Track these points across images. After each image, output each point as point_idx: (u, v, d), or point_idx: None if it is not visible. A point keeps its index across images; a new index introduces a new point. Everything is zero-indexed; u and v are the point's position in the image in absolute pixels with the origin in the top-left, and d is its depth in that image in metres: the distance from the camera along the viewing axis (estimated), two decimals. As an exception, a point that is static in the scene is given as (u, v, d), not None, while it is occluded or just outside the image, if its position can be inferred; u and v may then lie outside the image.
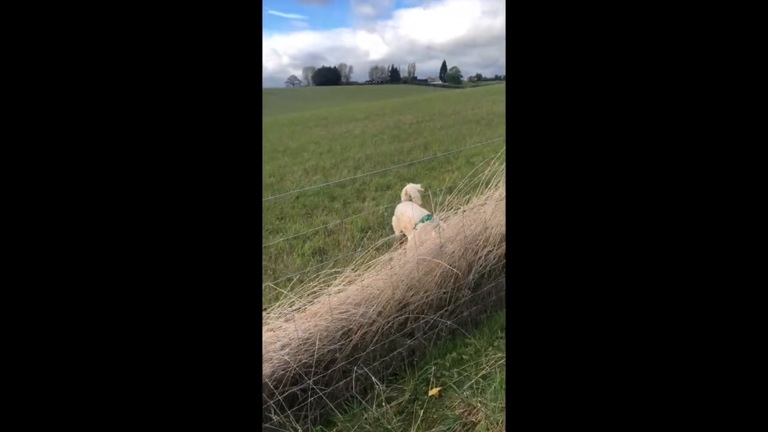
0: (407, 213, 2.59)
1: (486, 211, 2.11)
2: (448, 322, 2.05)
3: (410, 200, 2.74)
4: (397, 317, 1.91)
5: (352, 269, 1.92)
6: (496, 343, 1.98)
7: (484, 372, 1.80)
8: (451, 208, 2.44)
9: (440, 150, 6.57)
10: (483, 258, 2.17)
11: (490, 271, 2.25)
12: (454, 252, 2.05)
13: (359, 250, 2.18)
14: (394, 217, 2.81)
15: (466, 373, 1.82)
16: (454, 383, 1.78)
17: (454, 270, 2.06)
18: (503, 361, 1.84)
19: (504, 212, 2.20)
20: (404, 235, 2.67)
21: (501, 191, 2.24)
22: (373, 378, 1.73)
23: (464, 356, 1.93)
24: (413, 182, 2.83)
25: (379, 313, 1.85)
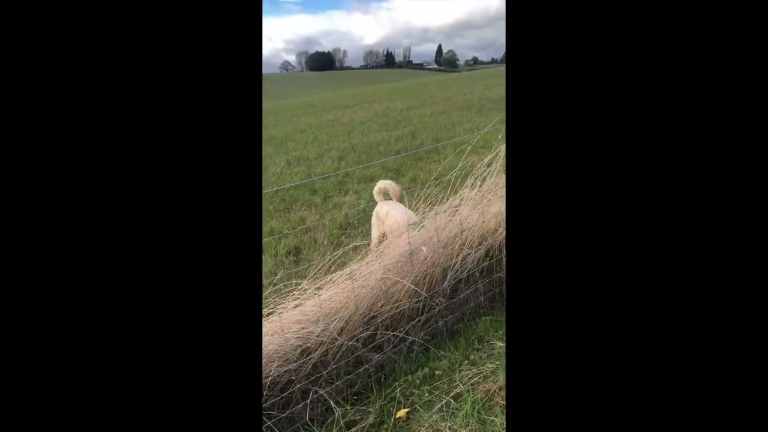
0: (393, 214, 2.33)
1: (461, 212, 1.94)
2: (421, 334, 1.89)
3: (388, 198, 2.54)
4: (363, 331, 1.75)
5: (310, 280, 1.75)
6: (472, 357, 1.83)
7: (457, 390, 1.65)
8: (434, 204, 2.23)
9: (428, 138, 6.37)
10: (459, 263, 2.01)
11: (468, 276, 2.09)
12: (426, 258, 1.89)
13: (327, 255, 2.00)
14: (374, 218, 2.53)
15: (437, 392, 1.67)
16: (423, 404, 1.63)
17: (426, 277, 1.90)
18: (478, 377, 1.70)
19: (481, 213, 2.04)
20: (384, 239, 2.44)
21: (480, 189, 2.06)
22: (330, 401, 1.58)
23: (437, 371, 1.78)
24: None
25: (342, 329, 1.70)
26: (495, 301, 2.18)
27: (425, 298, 1.91)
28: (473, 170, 2.03)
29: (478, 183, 1.99)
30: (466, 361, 1.82)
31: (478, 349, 1.88)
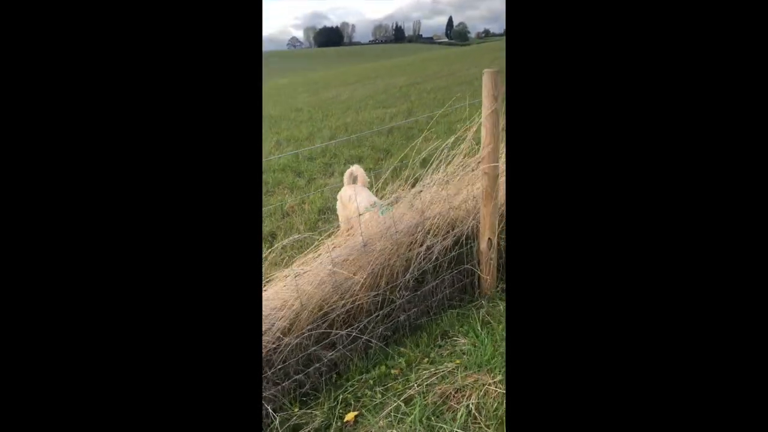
0: (354, 198, 2.26)
1: (423, 199, 1.78)
2: (380, 330, 1.77)
3: (354, 183, 2.40)
4: (314, 329, 1.64)
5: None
6: (432, 355, 1.71)
7: (411, 392, 1.54)
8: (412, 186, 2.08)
9: (424, 116, 6.12)
10: (422, 253, 1.87)
11: (435, 267, 1.95)
12: (385, 248, 1.75)
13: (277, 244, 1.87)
14: (338, 204, 2.46)
15: (390, 394, 1.56)
16: (374, 406, 1.53)
17: (386, 269, 1.76)
18: (435, 378, 1.58)
19: (446, 199, 1.88)
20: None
21: (445, 172, 1.90)
22: (268, 406, 1.48)
23: (393, 370, 1.67)
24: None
25: (289, 328, 1.58)
26: (466, 293, 2.05)
27: (384, 291, 1.79)
28: (436, 153, 1.86)
29: (442, 166, 1.82)
30: (426, 359, 1.70)
31: (440, 346, 1.76)
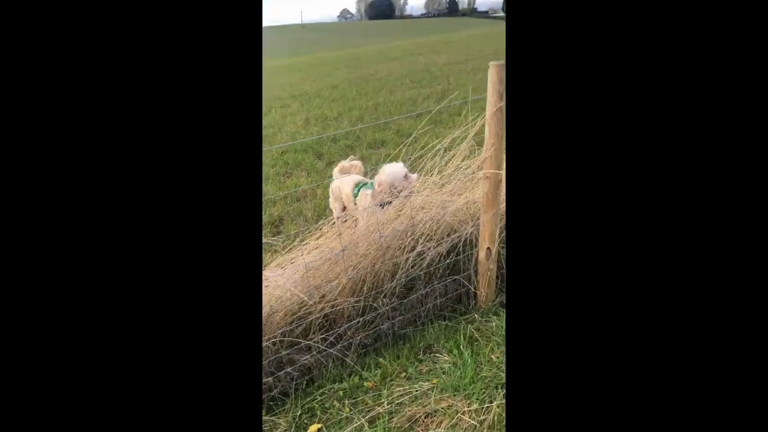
0: (346, 188, 2.18)
1: (413, 202, 1.64)
2: (358, 338, 1.69)
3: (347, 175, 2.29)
4: (286, 333, 1.58)
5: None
6: (410, 370, 1.60)
7: (379, 410, 1.45)
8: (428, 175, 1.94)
9: (458, 98, 5.84)
10: (412, 259, 1.74)
11: (430, 272, 1.83)
12: (368, 252, 1.64)
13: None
14: (330, 198, 2.36)
15: (357, 409, 1.48)
16: (339, 421, 1.45)
17: (367, 275, 1.66)
18: (408, 397, 1.48)
19: (440, 204, 1.73)
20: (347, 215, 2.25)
21: (442, 174, 1.74)
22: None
23: (367, 382, 1.58)
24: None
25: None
26: (461, 302, 1.91)
27: (366, 297, 1.69)
28: (431, 153, 1.71)
29: (436, 168, 1.67)
30: (404, 374, 1.60)
31: (421, 361, 1.65)
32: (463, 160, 1.67)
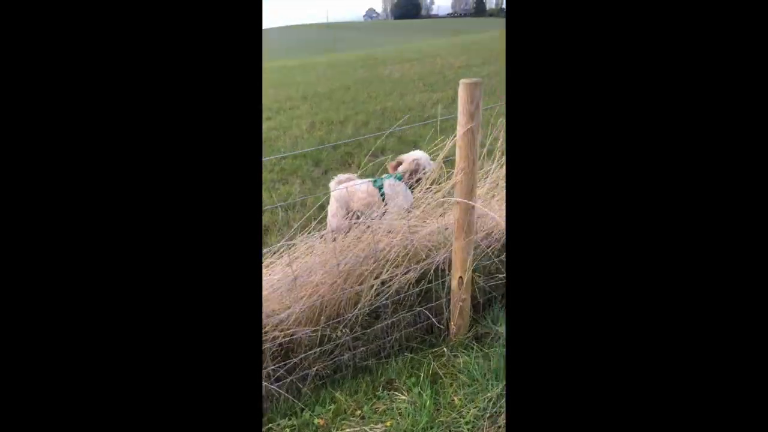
0: (356, 191, 2.12)
1: (376, 228, 1.53)
2: (314, 370, 1.59)
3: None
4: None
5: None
6: (365, 408, 1.49)
7: (325, 453, 1.35)
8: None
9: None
10: (376, 287, 1.63)
11: (399, 301, 1.71)
12: (323, 281, 1.54)
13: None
14: (335, 206, 2.19)
15: (303, 450, 1.38)
16: (281, 463, 1.36)
17: (324, 304, 1.55)
18: (357, 440, 1.37)
19: (407, 230, 1.61)
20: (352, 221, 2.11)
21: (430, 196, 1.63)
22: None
23: (317, 420, 1.48)
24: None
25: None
26: (432, 333, 1.79)
27: (323, 327, 1.58)
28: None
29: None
30: (359, 411, 1.50)
31: (378, 398, 1.54)
32: (431, 184, 1.54)
